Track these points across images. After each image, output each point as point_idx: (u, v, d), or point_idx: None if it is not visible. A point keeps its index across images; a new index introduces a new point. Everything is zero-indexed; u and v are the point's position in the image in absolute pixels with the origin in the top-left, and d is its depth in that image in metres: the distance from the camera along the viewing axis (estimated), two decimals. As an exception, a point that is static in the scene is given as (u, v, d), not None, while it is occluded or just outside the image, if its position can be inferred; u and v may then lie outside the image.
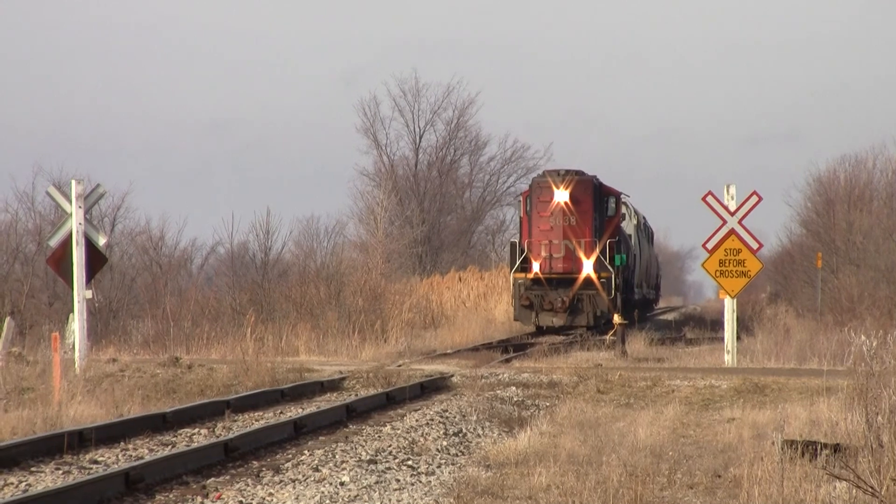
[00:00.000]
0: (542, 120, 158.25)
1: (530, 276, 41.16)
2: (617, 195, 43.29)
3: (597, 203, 41.80)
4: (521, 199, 43.41)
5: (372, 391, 23.15)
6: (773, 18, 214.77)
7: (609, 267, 40.71)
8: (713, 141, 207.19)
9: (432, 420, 18.66)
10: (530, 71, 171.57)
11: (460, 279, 56.50)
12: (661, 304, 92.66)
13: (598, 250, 40.81)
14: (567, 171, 41.76)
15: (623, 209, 45.94)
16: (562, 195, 41.10)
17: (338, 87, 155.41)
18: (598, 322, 40.71)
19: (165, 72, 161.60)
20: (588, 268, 40.67)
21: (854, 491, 11.62)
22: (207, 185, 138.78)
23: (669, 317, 68.23)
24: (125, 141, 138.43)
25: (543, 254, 41.11)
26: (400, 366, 28.64)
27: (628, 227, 49.12)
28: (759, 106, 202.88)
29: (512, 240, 44.26)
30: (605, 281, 40.58)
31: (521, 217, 43.40)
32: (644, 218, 56.70)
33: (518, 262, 41.51)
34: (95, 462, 15.09)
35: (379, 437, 17.07)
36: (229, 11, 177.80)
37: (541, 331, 41.68)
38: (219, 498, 12.75)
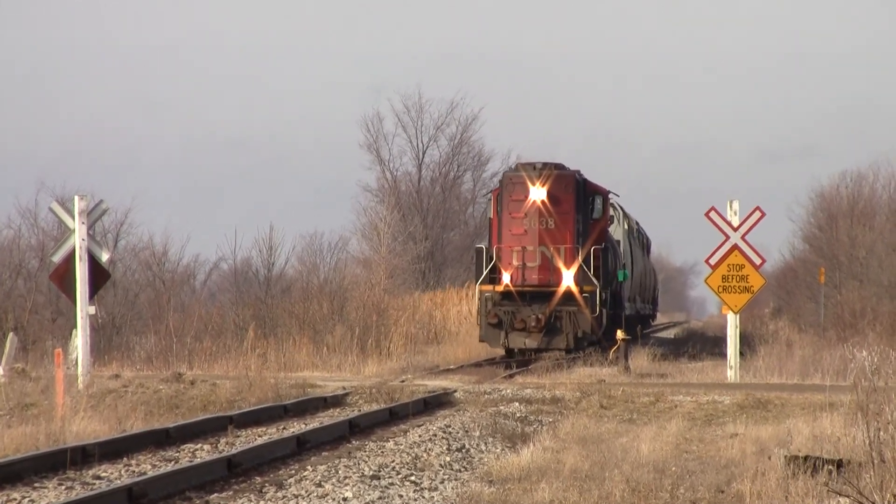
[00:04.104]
0: (546, 136, 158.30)
1: (500, 288, 34.86)
2: (604, 194, 37.22)
3: (580, 203, 35.53)
4: (492, 197, 36.83)
5: (375, 407, 23.14)
6: (785, 34, 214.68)
7: (593, 279, 34.82)
8: (720, 157, 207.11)
9: (435, 436, 18.66)
10: (534, 86, 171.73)
11: (467, 295, 56.45)
12: (663, 319, 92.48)
13: (580, 259, 34.79)
14: (545, 165, 35.34)
15: (611, 211, 40.11)
16: (538, 193, 34.79)
17: (340, 104, 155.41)
18: (580, 344, 34.96)
19: (172, 89, 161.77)
20: (568, 280, 34.62)
21: (856, 507, 11.63)
22: (213, 202, 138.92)
23: (670, 333, 68.13)
24: (130, 158, 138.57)
25: (515, 262, 34.87)
26: (403, 381, 28.62)
27: (616, 231, 43.33)
28: (770, 122, 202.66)
29: (478, 245, 37.64)
30: (588, 295, 34.60)
31: (490, 218, 36.89)
32: (637, 223, 51.97)
33: (485, 272, 35.24)
34: (98, 478, 15.10)
35: (382, 452, 17.07)
36: (232, 28, 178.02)
37: (511, 354, 35.92)
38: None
